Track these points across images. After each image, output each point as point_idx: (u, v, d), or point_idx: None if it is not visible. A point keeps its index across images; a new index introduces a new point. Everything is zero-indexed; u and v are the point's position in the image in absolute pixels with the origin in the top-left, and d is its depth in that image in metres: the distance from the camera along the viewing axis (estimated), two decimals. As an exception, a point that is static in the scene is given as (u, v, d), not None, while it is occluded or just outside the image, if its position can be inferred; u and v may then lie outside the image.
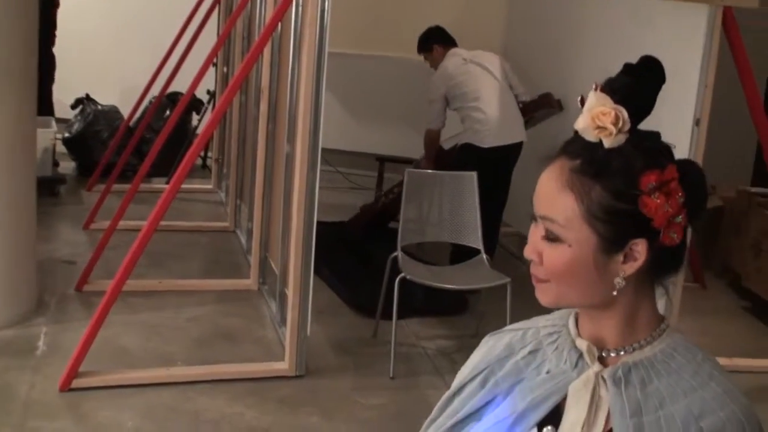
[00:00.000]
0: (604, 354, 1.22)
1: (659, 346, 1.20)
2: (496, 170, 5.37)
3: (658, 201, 1.12)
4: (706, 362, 1.19)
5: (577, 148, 1.14)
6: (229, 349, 4.41)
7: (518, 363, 1.29)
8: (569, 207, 1.13)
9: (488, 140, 5.38)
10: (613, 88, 1.13)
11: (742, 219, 6.00)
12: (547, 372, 1.26)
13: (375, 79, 7.98)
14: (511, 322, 1.37)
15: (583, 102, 1.15)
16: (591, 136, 1.12)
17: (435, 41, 5.80)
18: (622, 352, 1.21)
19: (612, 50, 5.13)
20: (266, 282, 5.25)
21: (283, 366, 4.13)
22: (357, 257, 5.86)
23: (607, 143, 1.11)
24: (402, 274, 4.29)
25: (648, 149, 1.14)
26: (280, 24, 4.56)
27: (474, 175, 4.80)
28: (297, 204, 4.01)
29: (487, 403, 1.29)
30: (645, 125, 1.17)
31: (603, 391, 1.20)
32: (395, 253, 4.52)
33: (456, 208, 4.82)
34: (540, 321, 1.34)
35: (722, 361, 4.76)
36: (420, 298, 4.94)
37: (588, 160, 1.13)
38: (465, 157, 5.39)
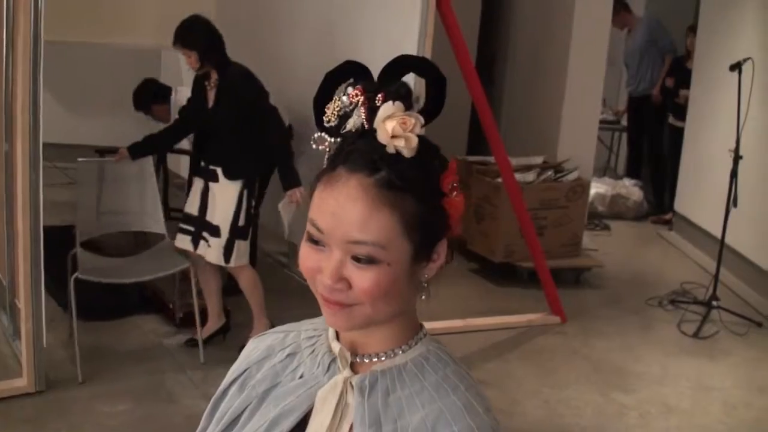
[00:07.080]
0: (358, 359, 1.18)
1: (412, 354, 1.17)
2: None
3: (458, 199, 1.13)
4: (454, 375, 1.16)
5: (371, 161, 1.08)
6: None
7: (275, 366, 1.24)
8: (387, 225, 1.08)
9: None
10: (399, 95, 1.10)
11: (463, 187, 6.26)
12: (301, 377, 1.21)
13: (86, 68, 7.59)
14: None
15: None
16: (391, 148, 1.08)
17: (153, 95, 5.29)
18: (375, 359, 1.17)
19: (331, 35, 5.08)
20: (-7, 294, 4.86)
21: (22, 383, 3.85)
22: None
23: (408, 153, 1.09)
24: (75, 274, 4.08)
25: (433, 150, 1.13)
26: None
27: (150, 158, 4.60)
28: (21, 207, 3.76)
29: (246, 408, 1.22)
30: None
31: (350, 398, 1.16)
32: (74, 250, 4.28)
33: (135, 194, 4.59)
34: (305, 324, 1.28)
35: (457, 323, 5.00)
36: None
37: (393, 172, 1.08)
38: None
